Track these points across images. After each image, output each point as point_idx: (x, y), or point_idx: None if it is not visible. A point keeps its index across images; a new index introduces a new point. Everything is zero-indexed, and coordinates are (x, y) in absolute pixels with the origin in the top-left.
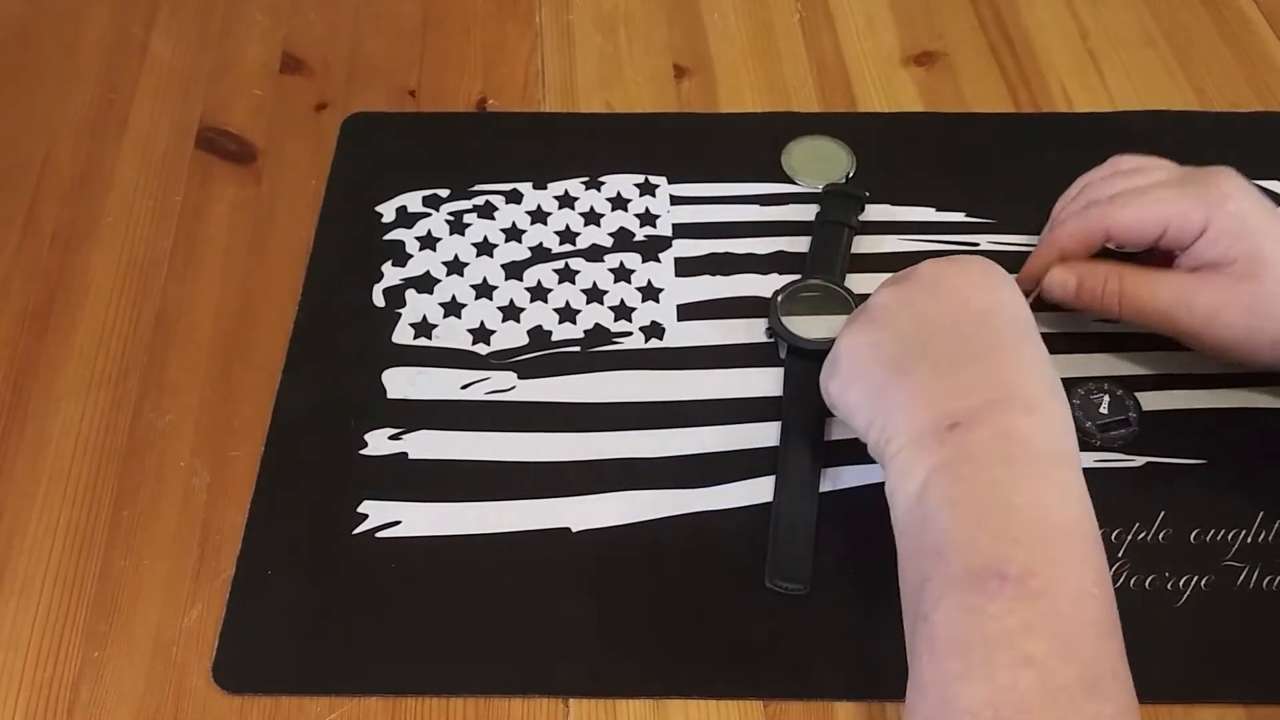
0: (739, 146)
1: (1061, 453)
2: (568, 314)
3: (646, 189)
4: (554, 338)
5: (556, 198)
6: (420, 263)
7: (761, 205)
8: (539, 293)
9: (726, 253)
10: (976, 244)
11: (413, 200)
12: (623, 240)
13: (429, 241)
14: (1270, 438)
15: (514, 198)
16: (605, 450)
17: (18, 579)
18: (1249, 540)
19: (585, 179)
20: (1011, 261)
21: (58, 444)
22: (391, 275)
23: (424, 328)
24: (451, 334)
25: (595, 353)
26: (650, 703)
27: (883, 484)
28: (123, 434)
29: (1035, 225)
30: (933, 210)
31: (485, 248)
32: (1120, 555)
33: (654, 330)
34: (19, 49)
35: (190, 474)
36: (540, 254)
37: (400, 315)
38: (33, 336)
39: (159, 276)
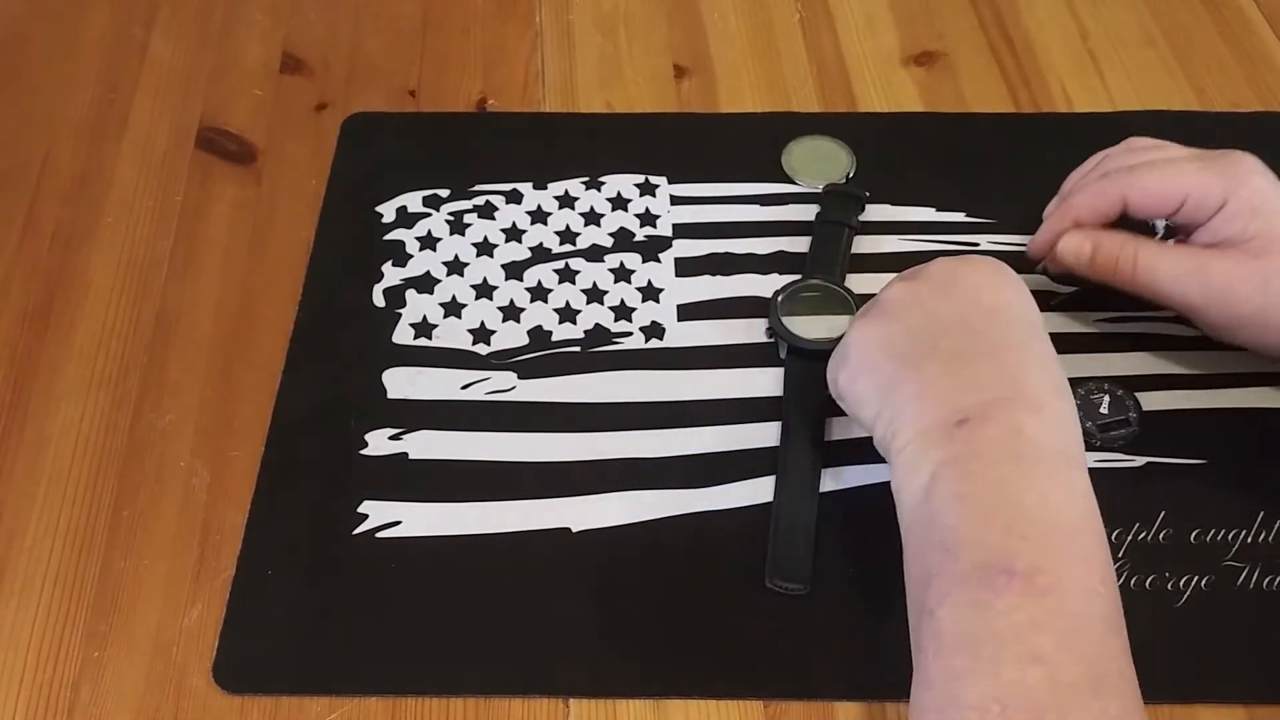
0: (739, 146)
1: (1068, 452)
2: (568, 314)
3: (646, 189)
4: (554, 338)
5: (556, 198)
6: (420, 263)
7: (761, 205)
8: (539, 293)
9: (727, 253)
10: (976, 244)
11: (413, 200)
12: (623, 240)
13: (429, 241)
14: (1270, 438)
15: (514, 198)
16: (605, 450)
17: (18, 579)
18: (1249, 540)
19: (585, 179)
20: (1012, 262)
21: (58, 444)
22: (392, 275)
23: (424, 328)
24: (452, 334)
25: (595, 353)
26: (650, 703)
27: (884, 484)
28: (123, 434)
29: (1035, 225)
30: (933, 210)
31: (485, 248)
32: (1120, 555)
33: (654, 330)
34: (19, 49)
35: (190, 474)
36: (540, 254)
37: (400, 315)
38: (33, 336)
39: (159, 276)
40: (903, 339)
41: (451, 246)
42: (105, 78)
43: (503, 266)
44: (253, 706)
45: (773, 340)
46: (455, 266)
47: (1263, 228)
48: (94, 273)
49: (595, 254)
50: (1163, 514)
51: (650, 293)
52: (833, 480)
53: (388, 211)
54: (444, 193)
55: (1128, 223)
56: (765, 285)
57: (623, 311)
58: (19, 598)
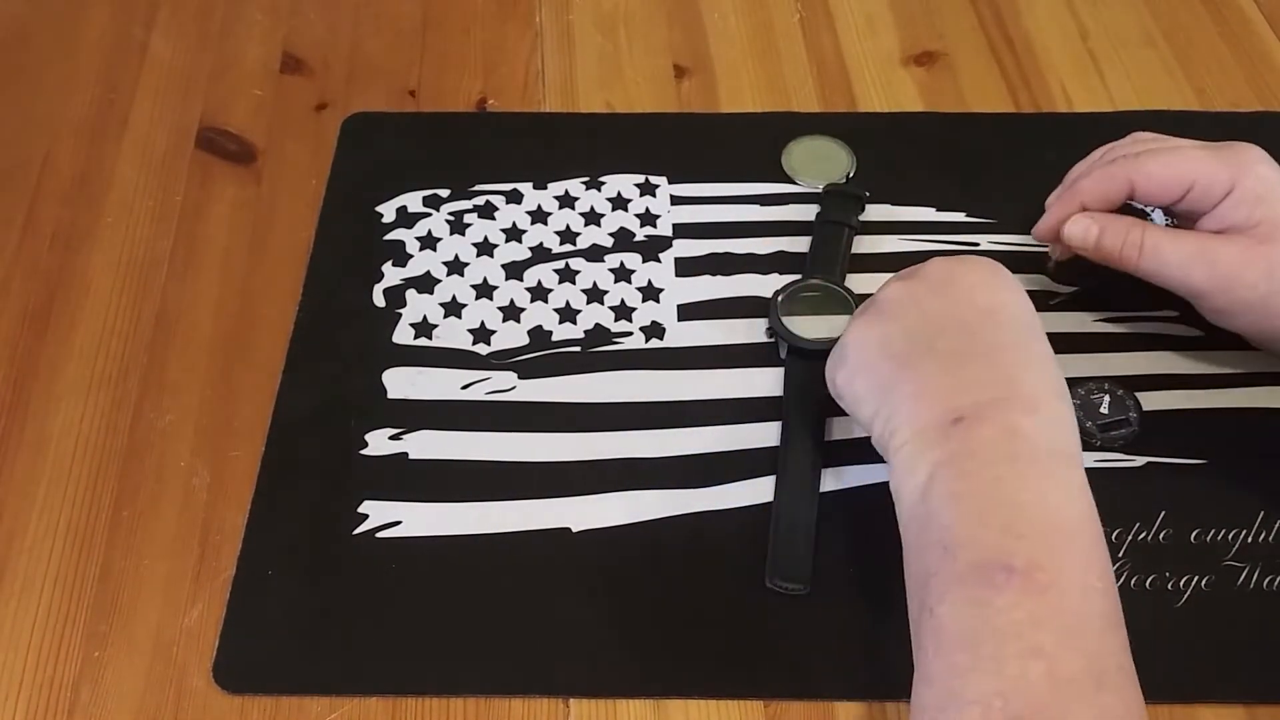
0: (739, 146)
1: (1065, 451)
2: (568, 314)
3: (647, 189)
4: (554, 338)
5: (557, 198)
6: (420, 263)
7: (762, 205)
8: (539, 293)
9: (727, 253)
10: (976, 244)
11: (413, 200)
12: (623, 240)
13: (429, 241)
14: (1270, 438)
15: (514, 198)
16: (605, 450)
17: (18, 579)
18: (1249, 540)
19: (585, 179)
20: (1012, 261)
21: (58, 444)
22: (392, 275)
23: (424, 328)
24: (452, 334)
25: (595, 353)
26: (650, 703)
27: (884, 484)
28: (123, 434)
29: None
30: (933, 210)
31: (485, 248)
32: (1120, 555)
33: (654, 330)
34: (19, 49)
35: (190, 474)
36: (540, 254)
37: (400, 315)
38: (33, 336)
39: (159, 276)
40: (899, 338)
41: (452, 246)
42: (105, 78)
43: (503, 266)
44: (253, 706)
45: (773, 340)
46: (455, 266)
47: (1268, 214)
48: (94, 273)
49: (595, 254)
50: (1163, 514)
51: (650, 293)
52: (833, 480)
53: (388, 211)
54: (444, 193)
55: (1130, 213)
56: (765, 285)
57: (623, 311)
58: (19, 598)
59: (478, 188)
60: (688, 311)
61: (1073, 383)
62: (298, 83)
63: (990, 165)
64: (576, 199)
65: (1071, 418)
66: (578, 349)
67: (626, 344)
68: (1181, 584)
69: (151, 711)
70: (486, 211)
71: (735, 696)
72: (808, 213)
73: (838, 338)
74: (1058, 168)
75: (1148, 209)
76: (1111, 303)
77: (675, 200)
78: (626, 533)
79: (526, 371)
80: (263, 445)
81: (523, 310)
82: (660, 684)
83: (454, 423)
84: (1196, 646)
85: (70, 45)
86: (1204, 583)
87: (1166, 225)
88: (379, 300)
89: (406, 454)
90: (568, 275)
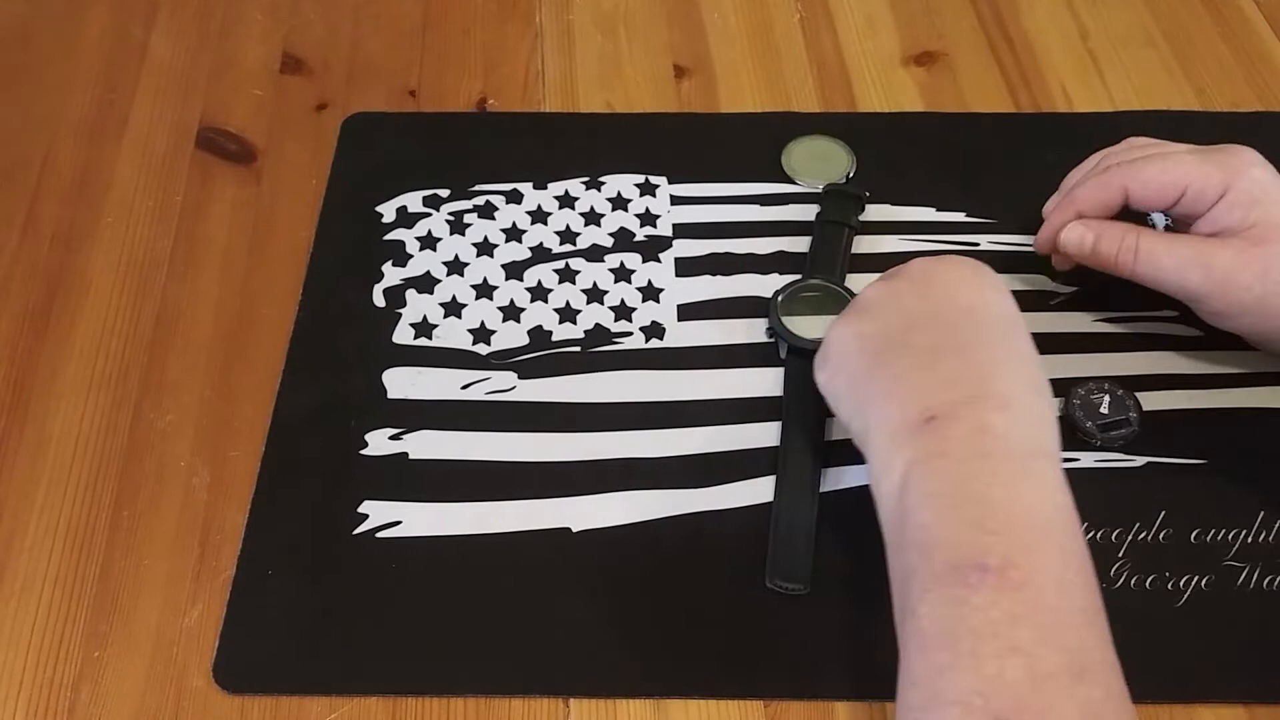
0: (739, 146)
1: (1039, 448)
2: (568, 314)
3: (647, 189)
4: (554, 338)
5: (557, 198)
6: (420, 263)
7: (761, 205)
8: (539, 293)
9: (727, 253)
10: (976, 244)
11: (413, 200)
12: (623, 240)
13: (429, 241)
14: (1270, 438)
15: (514, 198)
16: (605, 450)
17: (18, 579)
18: (1249, 540)
19: (585, 179)
20: (1012, 261)
21: (58, 444)
22: (392, 275)
23: (424, 328)
24: (452, 334)
25: (595, 353)
26: (650, 703)
27: None
28: (123, 434)
29: (1035, 225)
30: (933, 210)
31: (485, 248)
32: (1120, 555)
33: (654, 330)
34: (19, 49)
35: (190, 474)
36: (540, 254)
37: (400, 315)
38: (33, 336)
39: (159, 276)
40: (877, 337)
41: (451, 246)
42: (105, 78)
43: (503, 266)
44: (253, 706)
45: (773, 340)
46: (455, 266)
47: (1262, 216)
48: (94, 273)
49: (595, 254)
50: (1163, 514)
51: (650, 293)
52: (833, 480)
53: (388, 211)
54: (444, 193)
55: (1128, 218)
56: (765, 285)
57: (623, 311)
58: (19, 598)
59: (478, 188)
60: (688, 311)
61: (1073, 383)
62: (298, 83)
63: (990, 165)
64: (576, 199)
65: (1048, 414)
66: (578, 349)
67: (626, 344)
68: (1181, 584)
69: (151, 711)
70: (486, 211)
71: (735, 696)
72: (808, 213)
73: None
74: (1058, 168)
75: (1149, 214)
76: (1111, 303)
77: (675, 200)
78: (626, 533)
79: (526, 371)
80: (263, 445)
81: (523, 310)
82: (660, 684)
83: (454, 423)
84: (1196, 646)
85: (70, 45)
86: (1204, 583)
87: (1166, 228)
88: (379, 300)
89: (406, 454)
90: (568, 275)
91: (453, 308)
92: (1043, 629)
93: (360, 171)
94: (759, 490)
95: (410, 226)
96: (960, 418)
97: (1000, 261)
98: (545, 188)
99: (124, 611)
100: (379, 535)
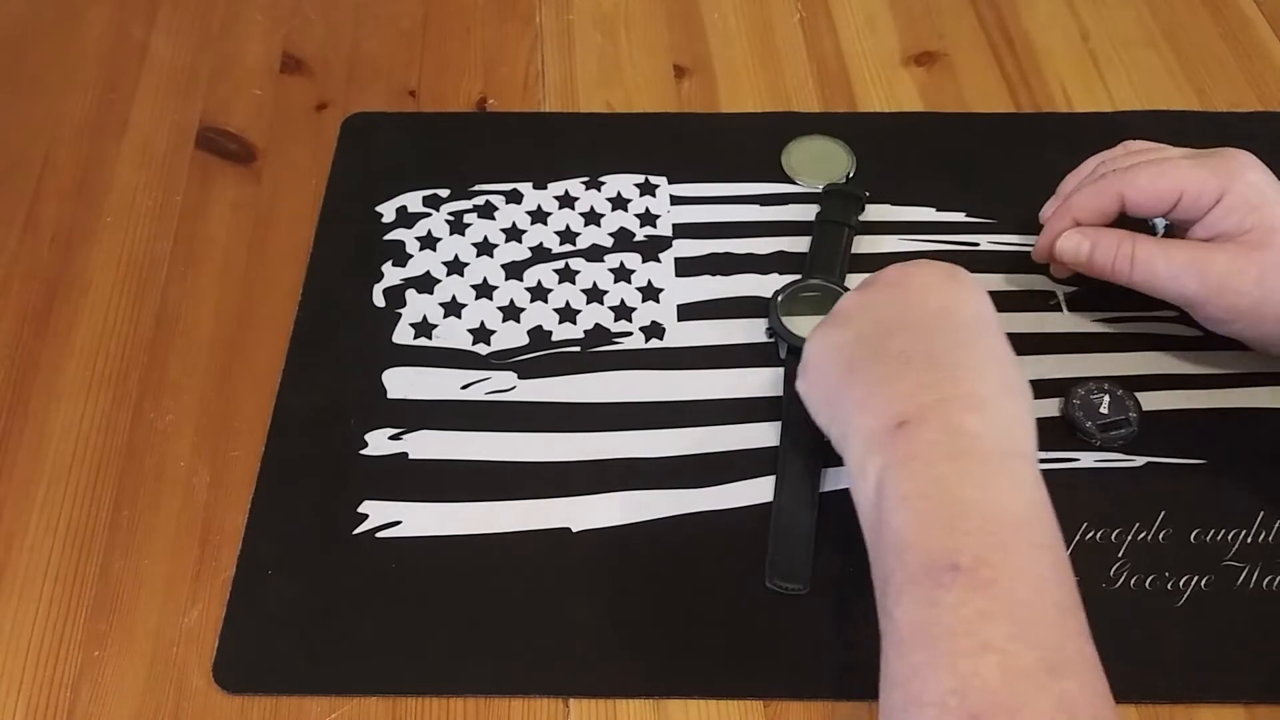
0: (739, 146)
1: (1013, 446)
2: (568, 314)
3: (646, 189)
4: (554, 338)
5: (556, 198)
6: (420, 263)
7: (761, 205)
8: (539, 293)
9: (726, 253)
10: (976, 244)
11: (413, 200)
12: (623, 240)
13: (429, 241)
14: (1270, 438)
15: (514, 198)
16: (605, 450)
17: (18, 579)
18: (1249, 540)
19: (585, 179)
20: (1012, 261)
21: (58, 444)
22: (392, 275)
23: (424, 328)
24: (451, 334)
25: (595, 353)
26: (650, 703)
27: None
28: (123, 434)
29: (1035, 225)
30: (933, 210)
31: (485, 248)
32: (1120, 555)
33: (654, 330)
34: (19, 49)
35: (190, 474)
36: (540, 254)
37: (400, 315)
38: (33, 336)
39: (159, 276)
40: (851, 345)
41: (451, 246)
42: (105, 78)
43: (503, 266)
44: (253, 706)
45: (773, 340)
46: (455, 266)
47: (1258, 221)
48: (94, 273)
49: (595, 254)
50: (1163, 514)
51: (650, 293)
52: (833, 480)
53: (388, 211)
54: (444, 193)
55: (1129, 223)
56: (765, 285)
57: (623, 311)
58: (19, 598)
59: (478, 188)
60: (687, 311)
61: (1073, 383)
62: (298, 83)
63: (990, 165)
64: (576, 199)
65: (1023, 414)
66: (578, 349)
67: (626, 344)
68: (1181, 584)
69: (151, 711)
70: (486, 211)
71: (735, 696)
72: (808, 213)
73: None
74: (1058, 168)
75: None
76: (1111, 303)
77: (675, 200)
78: (626, 533)
79: (526, 371)
80: (263, 445)
81: (523, 310)
82: (660, 684)
83: (454, 423)
84: (1196, 646)
85: (70, 45)
86: (1204, 583)
87: (1165, 230)
88: (379, 300)
89: (406, 454)
90: (568, 275)
91: (453, 308)
92: (1016, 625)
93: (360, 171)
94: (759, 490)
95: (410, 226)
96: (931, 421)
97: (1000, 261)
98: (545, 188)
99: (124, 611)
100: (379, 535)
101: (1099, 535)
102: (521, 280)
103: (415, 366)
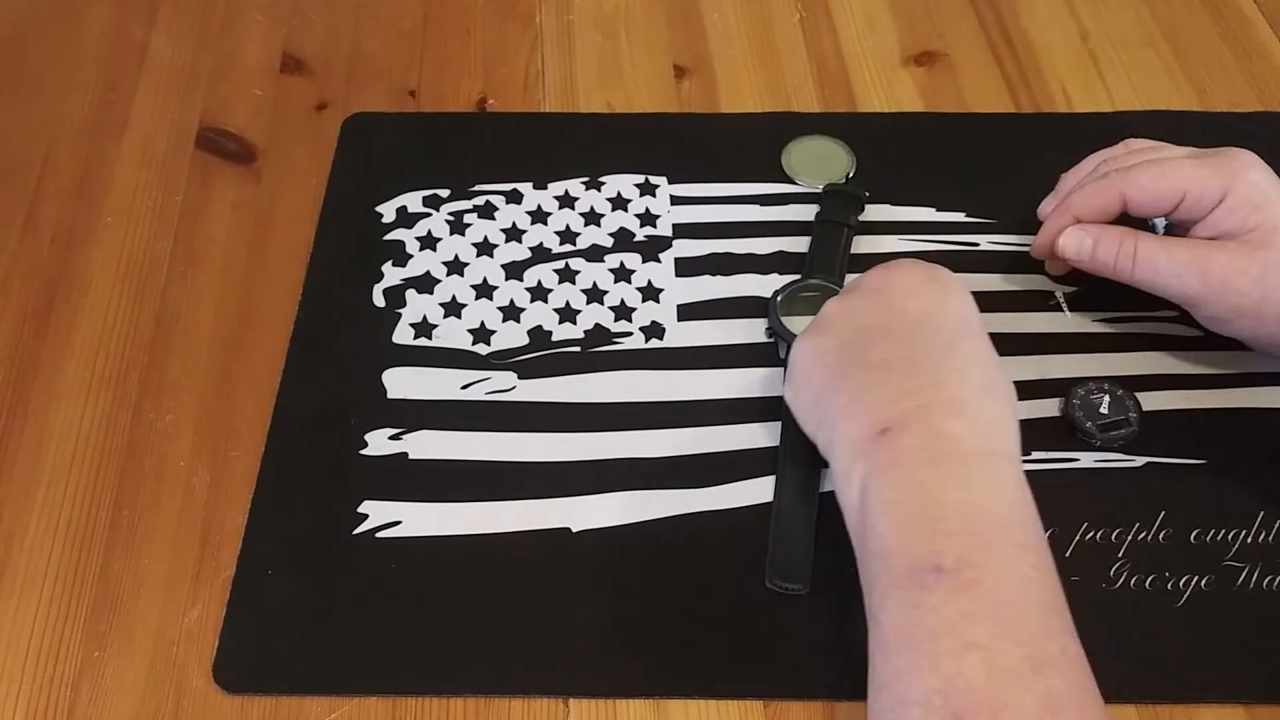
0: (739, 146)
1: (995, 447)
2: (568, 314)
3: (646, 189)
4: (554, 338)
5: (557, 198)
6: (420, 263)
7: (761, 205)
8: (539, 293)
9: (726, 253)
10: (976, 244)
11: (413, 200)
12: (623, 240)
13: (429, 241)
14: (1270, 438)
15: (514, 198)
16: (605, 450)
17: (18, 579)
18: (1249, 540)
19: (585, 179)
20: (1011, 261)
21: (58, 444)
22: (392, 275)
23: (424, 328)
24: (451, 334)
25: (595, 353)
26: (650, 703)
27: None
28: (123, 434)
29: (1035, 225)
30: (933, 210)
31: (485, 248)
32: (1120, 555)
33: (654, 330)
34: (19, 49)
35: (190, 474)
36: (540, 254)
37: (400, 315)
38: (33, 336)
39: (159, 276)
40: (835, 352)
41: (451, 246)
42: (105, 78)
43: (503, 266)
44: (253, 706)
45: (773, 340)
46: (455, 266)
47: (1261, 220)
48: (94, 273)
49: (595, 254)
50: (1163, 514)
51: (650, 293)
52: (832, 480)
53: (388, 211)
54: (444, 193)
55: (1128, 222)
56: (765, 285)
57: (623, 311)
58: (19, 598)
59: (478, 188)
60: (687, 311)
61: (1073, 383)
62: (298, 83)
63: (990, 165)
64: (576, 199)
65: (1005, 413)
66: (578, 349)
67: (626, 344)
68: (1181, 584)
69: (151, 711)
70: (486, 211)
71: (735, 696)
72: (807, 213)
73: None
74: (1057, 167)
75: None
76: (1111, 303)
77: (675, 200)
78: (626, 533)
79: (526, 371)
80: (263, 445)
81: (523, 310)
82: (660, 684)
83: (454, 423)
84: (1196, 646)
85: (70, 45)
86: (1204, 583)
87: (1166, 230)
88: (379, 300)
89: (406, 454)
90: (568, 275)
91: (453, 308)
92: (1000, 624)
93: (360, 171)
94: (759, 490)
95: (410, 226)
96: (912, 427)
97: (1000, 261)
98: (545, 188)
99: (124, 611)
100: (379, 535)
101: (1099, 535)
102: (521, 280)
103: (415, 366)
